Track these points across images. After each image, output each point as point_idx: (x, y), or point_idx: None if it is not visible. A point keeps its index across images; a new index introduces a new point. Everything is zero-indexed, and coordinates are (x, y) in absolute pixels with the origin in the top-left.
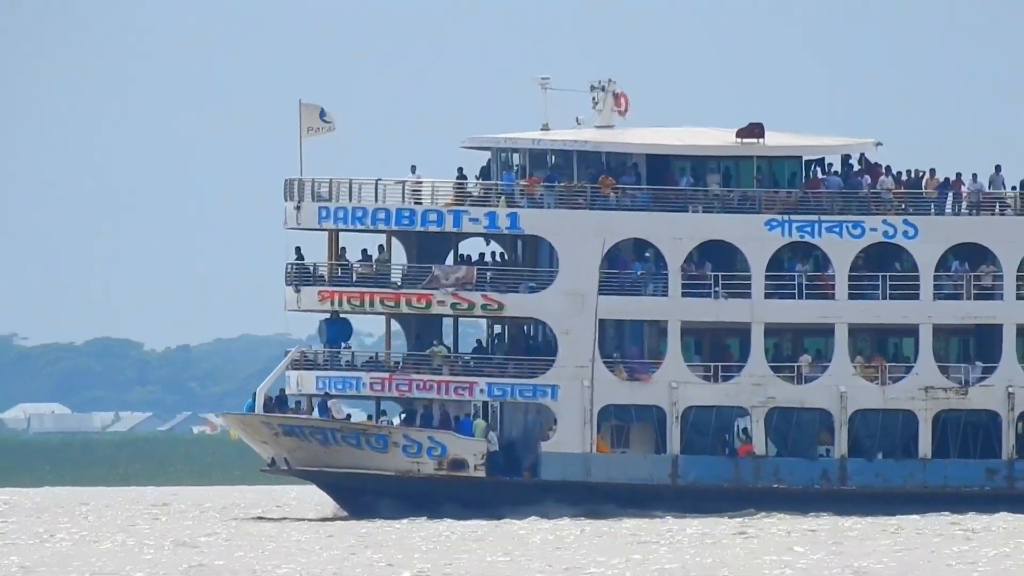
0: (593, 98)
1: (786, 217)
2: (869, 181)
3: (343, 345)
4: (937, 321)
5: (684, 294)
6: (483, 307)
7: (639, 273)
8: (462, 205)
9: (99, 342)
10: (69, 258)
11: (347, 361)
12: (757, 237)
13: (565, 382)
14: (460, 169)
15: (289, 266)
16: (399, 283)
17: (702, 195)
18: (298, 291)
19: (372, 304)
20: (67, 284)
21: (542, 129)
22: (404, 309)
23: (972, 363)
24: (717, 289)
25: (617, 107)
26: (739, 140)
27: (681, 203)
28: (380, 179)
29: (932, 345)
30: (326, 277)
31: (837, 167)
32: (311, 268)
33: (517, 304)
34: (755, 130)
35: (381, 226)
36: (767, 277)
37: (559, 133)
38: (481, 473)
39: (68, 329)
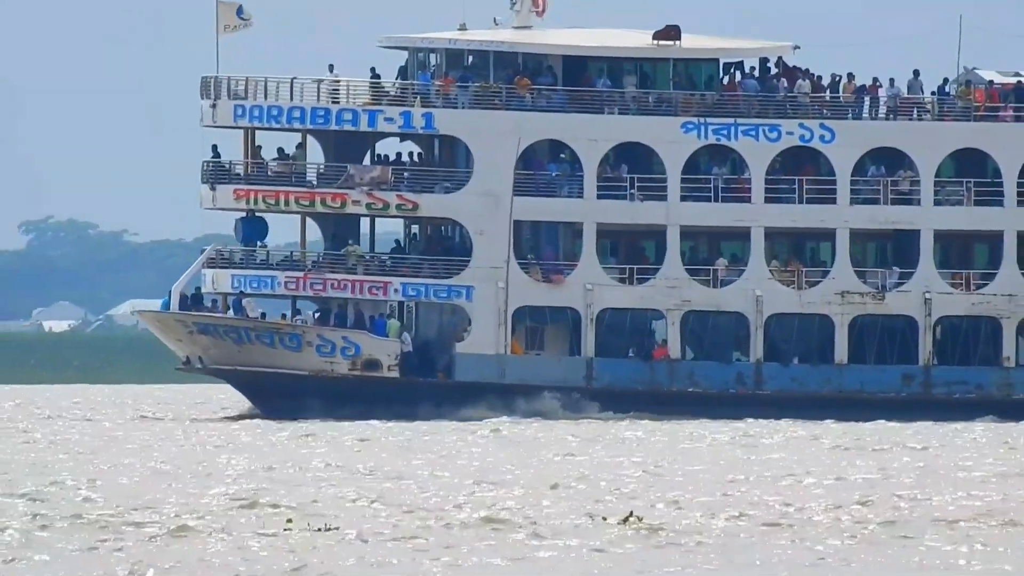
0: None
1: (702, 120)
2: (786, 85)
3: (259, 244)
4: (854, 226)
5: (600, 196)
6: (398, 207)
7: (554, 174)
8: (378, 105)
9: (208, 239)
10: (176, 154)
11: (262, 260)
12: (673, 139)
13: (480, 283)
14: (373, 69)
15: (205, 164)
16: (315, 182)
17: (618, 97)
18: (213, 189)
19: (287, 203)
20: (177, 180)
21: (459, 29)
22: (319, 208)
23: (889, 268)
24: (633, 191)
25: (535, 8)
26: (656, 42)
27: (597, 105)
28: (296, 77)
29: (849, 250)
30: (242, 175)
31: (757, 71)
32: (227, 166)
33: (432, 204)
34: (671, 32)
35: (296, 125)
36: (683, 180)
37: (476, 33)
38: (395, 373)
39: (178, 225)
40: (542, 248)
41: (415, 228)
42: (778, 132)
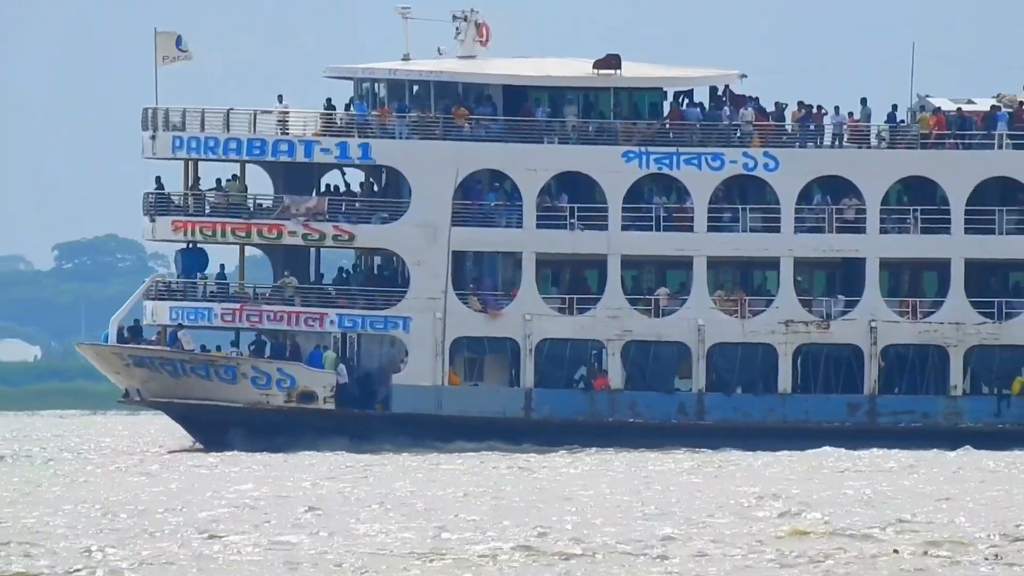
0: (456, 28)
1: (644, 149)
2: (729, 113)
3: (198, 275)
4: (798, 254)
5: (539, 226)
6: (334, 238)
7: (493, 204)
8: (316, 136)
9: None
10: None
11: (204, 292)
12: (614, 169)
13: (417, 314)
14: (328, 100)
15: (146, 195)
16: (250, 213)
17: (558, 127)
18: (153, 220)
19: (224, 234)
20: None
21: (403, 59)
22: (256, 240)
23: (835, 297)
24: (573, 221)
25: (479, 37)
26: (596, 71)
27: (536, 134)
28: (232, 109)
29: (795, 279)
30: (180, 207)
31: (707, 100)
32: (166, 198)
33: (368, 235)
34: (612, 61)
35: (232, 156)
36: (624, 209)
37: (418, 64)
38: (330, 405)
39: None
40: (482, 278)
41: (367, 258)
42: (721, 161)
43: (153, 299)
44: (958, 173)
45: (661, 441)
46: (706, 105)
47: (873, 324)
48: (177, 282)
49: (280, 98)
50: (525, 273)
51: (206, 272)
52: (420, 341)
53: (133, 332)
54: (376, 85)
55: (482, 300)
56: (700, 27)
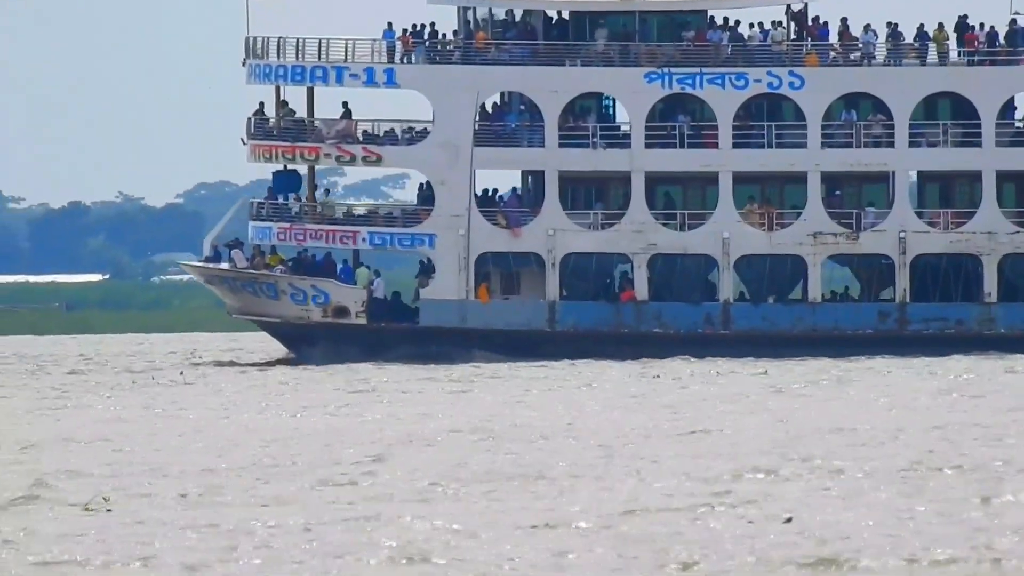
0: None
1: (666, 70)
2: (761, 36)
3: (292, 197)
4: (825, 168)
5: (562, 145)
6: (363, 159)
7: (514, 125)
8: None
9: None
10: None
11: (293, 212)
12: (636, 89)
13: (441, 231)
14: (389, 24)
15: (248, 120)
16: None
17: (583, 49)
18: (245, 144)
19: (276, 157)
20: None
21: None
22: (298, 162)
23: (864, 209)
24: (595, 140)
25: None
26: None
27: (559, 57)
28: (303, 37)
29: (824, 192)
30: (253, 132)
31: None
32: (247, 122)
33: (394, 156)
34: None
35: (281, 81)
36: (648, 128)
37: None
38: (362, 320)
39: None
40: (508, 195)
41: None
42: (745, 80)
43: (254, 219)
44: (987, 88)
45: (687, 351)
46: (780, 28)
47: (902, 235)
48: (263, 202)
49: (390, 25)
50: (548, 189)
51: (299, 193)
52: (445, 257)
53: (216, 253)
54: (471, 11)
55: (506, 217)
56: None
